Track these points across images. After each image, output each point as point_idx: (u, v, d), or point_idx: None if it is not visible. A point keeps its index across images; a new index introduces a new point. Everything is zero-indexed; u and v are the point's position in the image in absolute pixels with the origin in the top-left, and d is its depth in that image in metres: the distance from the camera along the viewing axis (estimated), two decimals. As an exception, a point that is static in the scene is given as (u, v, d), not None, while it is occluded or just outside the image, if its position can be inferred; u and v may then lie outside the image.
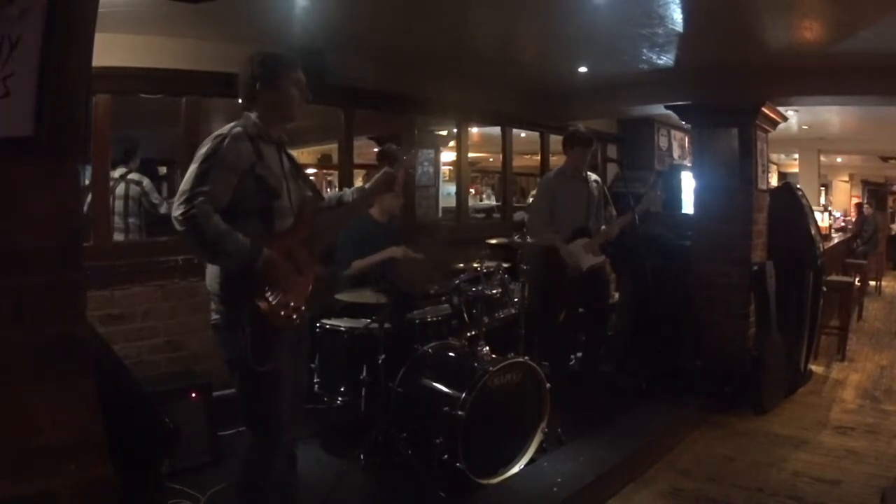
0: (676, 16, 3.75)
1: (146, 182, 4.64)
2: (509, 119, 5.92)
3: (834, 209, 12.36)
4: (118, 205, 4.43)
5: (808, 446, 3.91)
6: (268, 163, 2.15)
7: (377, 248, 3.56)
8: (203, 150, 2.06)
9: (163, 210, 4.58)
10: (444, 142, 7.46)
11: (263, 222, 2.14)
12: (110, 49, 3.15)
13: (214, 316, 2.18)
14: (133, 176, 4.57)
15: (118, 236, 4.27)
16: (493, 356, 3.18)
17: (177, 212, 1.96)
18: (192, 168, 2.02)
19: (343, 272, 3.48)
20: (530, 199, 9.09)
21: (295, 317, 2.13)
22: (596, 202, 4.17)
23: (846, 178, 15.61)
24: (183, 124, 3.67)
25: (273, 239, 2.13)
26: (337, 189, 7.17)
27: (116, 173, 4.39)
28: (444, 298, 3.71)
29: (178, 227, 1.97)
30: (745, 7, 3.62)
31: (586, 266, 4.05)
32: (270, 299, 2.06)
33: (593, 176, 4.25)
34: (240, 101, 2.24)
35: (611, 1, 3.58)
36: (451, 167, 8.72)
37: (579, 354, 4.49)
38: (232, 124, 2.15)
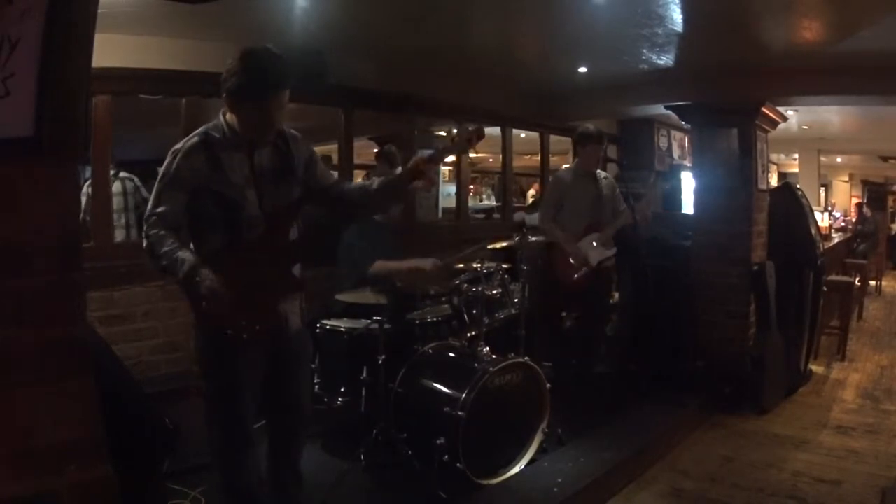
0: (676, 16, 3.76)
1: (136, 178, 4.77)
2: (509, 119, 5.92)
3: (834, 209, 12.34)
4: (116, 201, 4.44)
5: (808, 446, 3.90)
6: (226, 174, 2.03)
7: (385, 246, 3.53)
8: (163, 166, 2.05)
9: None
10: (443, 142, 7.46)
11: (229, 234, 2.06)
12: (110, 49, 3.15)
13: None
14: (123, 173, 4.67)
15: (119, 234, 4.28)
16: (494, 356, 3.17)
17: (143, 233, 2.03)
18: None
19: (367, 272, 3.41)
20: (530, 200, 9.11)
21: (246, 334, 2.05)
22: (606, 200, 4.15)
23: (846, 178, 15.62)
24: (183, 125, 3.66)
25: (223, 256, 2.03)
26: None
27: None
28: (444, 299, 3.70)
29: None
30: (745, 7, 3.63)
31: (596, 261, 4.04)
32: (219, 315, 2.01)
33: (603, 174, 4.24)
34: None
35: (611, 1, 3.59)
36: (450, 167, 8.72)
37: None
38: (196, 132, 2.08)
